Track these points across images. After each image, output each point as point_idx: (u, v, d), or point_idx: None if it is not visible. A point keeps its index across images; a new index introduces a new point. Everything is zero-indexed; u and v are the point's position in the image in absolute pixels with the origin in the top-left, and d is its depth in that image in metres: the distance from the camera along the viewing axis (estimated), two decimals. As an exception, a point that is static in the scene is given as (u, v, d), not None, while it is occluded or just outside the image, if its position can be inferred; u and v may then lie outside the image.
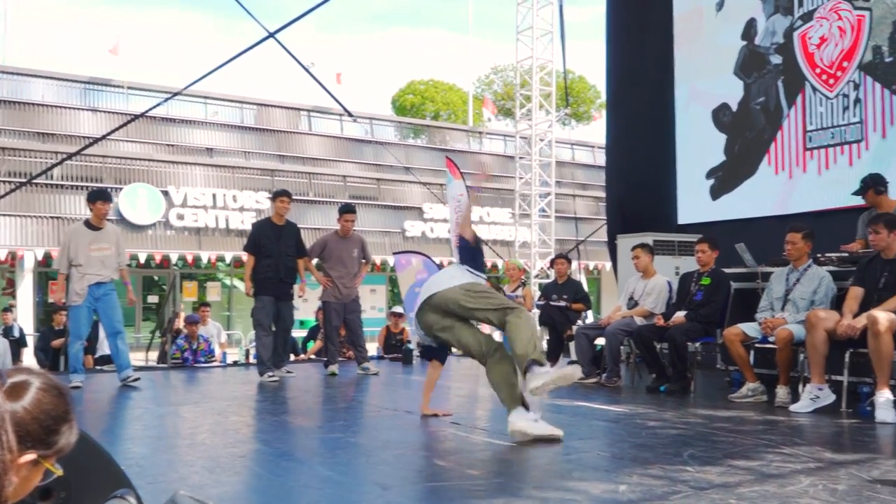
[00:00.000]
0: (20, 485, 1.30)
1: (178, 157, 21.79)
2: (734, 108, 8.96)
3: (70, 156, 14.00)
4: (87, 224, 7.13)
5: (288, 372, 7.69)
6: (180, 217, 20.71)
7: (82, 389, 6.70)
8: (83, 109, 21.81)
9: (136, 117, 13.04)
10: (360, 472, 3.59)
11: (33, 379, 1.32)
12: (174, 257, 20.58)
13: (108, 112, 21.93)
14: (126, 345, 7.20)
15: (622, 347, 7.10)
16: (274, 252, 7.45)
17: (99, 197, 7.20)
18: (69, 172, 19.96)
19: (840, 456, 3.79)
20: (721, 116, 9.11)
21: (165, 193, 20.68)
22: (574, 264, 10.44)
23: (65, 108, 21.57)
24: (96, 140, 12.34)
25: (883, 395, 4.77)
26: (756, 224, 8.45)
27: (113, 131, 12.41)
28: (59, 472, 1.38)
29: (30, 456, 1.29)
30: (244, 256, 13.96)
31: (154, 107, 11.13)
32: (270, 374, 7.26)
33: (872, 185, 6.08)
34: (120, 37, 41.57)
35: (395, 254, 13.03)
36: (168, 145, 22.18)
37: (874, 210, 6.03)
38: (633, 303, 7.03)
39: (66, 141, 20.61)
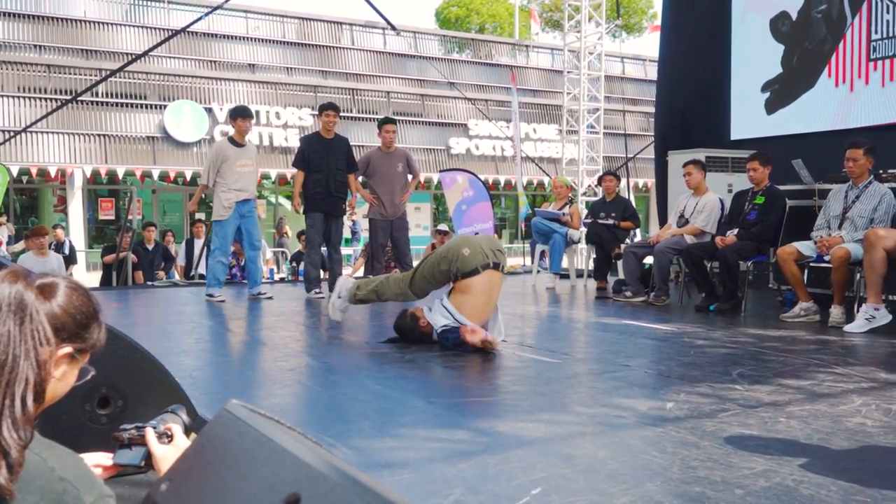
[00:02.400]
0: (58, 382, 1.33)
1: (220, 74, 21.72)
2: (794, 16, 8.54)
3: (113, 72, 14.03)
4: (231, 141, 7.29)
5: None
6: (224, 134, 20.70)
7: (155, 303, 6.82)
8: (126, 25, 21.75)
9: (176, 32, 12.94)
10: (407, 386, 3.63)
11: (60, 280, 1.36)
12: (218, 175, 20.75)
13: (151, 28, 21.84)
14: (260, 262, 7.47)
15: (671, 266, 7.01)
16: (323, 166, 7.30)
17: (239, 114, 7.29)
18: (113, 89, 20.07)
19: (895, 376, 3.71)
20: (779, 25, 8.69)
21: (209, 110, 20.72)
22: (623, 182, 10.26)
23: (108, 23, 21.52)
24: (138, 56, 12.29)
25: (942, 316, 4.67)
26: (813, 139, 8.16)
27: (154, 47, 12.36)
28: (92, 370, 1.42)
29: (66, 349, 1.32)
30: (289, 174, 13.87)
31: (194, 21, 10.98)
32: (317, 290, 7.31)
33: None
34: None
35: (441, 172, 13.02)
36: (210, 61, 22.12)
37: None
38: (683, 221, 6.89)
39: (110, 58, 20.65)
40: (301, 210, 7.43)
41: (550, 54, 28.15)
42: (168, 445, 1.57)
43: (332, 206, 7.41)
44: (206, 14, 10.64)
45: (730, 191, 7.33)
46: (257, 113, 21.21)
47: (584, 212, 9.50)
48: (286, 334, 5.22)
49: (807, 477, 2.25)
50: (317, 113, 7.77)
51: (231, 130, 7.42)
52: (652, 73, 29.21)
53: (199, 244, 11.02)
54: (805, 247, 5.63)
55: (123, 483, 1.66)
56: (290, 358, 4.31)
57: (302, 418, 3.06)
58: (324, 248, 7.70)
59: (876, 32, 7.67)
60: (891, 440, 2.63)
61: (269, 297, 7.22)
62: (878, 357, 4.35)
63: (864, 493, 2.14)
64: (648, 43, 64.07)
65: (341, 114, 7.74)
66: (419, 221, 22.01)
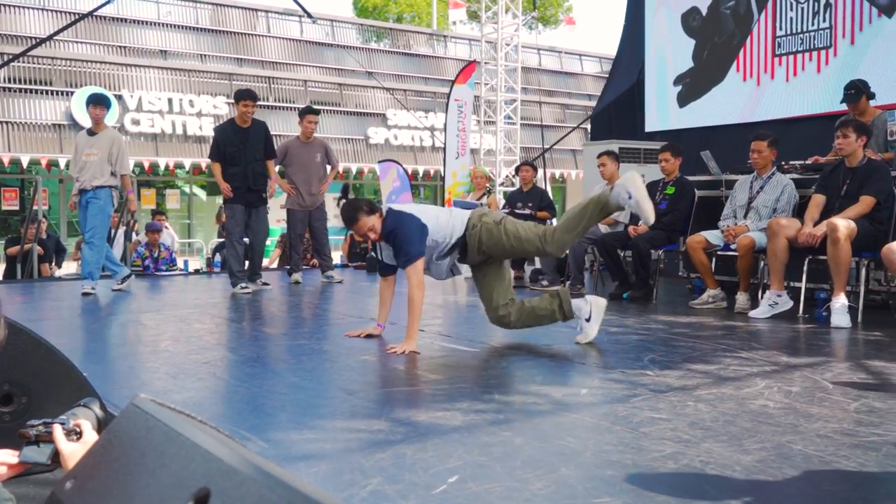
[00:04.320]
0: None
1: (130, 60, 21.00)
2: (704, 11, 8.79)
3: (16, 57, 13.38)
4: (88, 130, 7.08)
5: (264, 284, 7.33)
6: (135, 122, 20.13)
7: (56, 297, 6.57)
8: (30, 8, 20.77)
9: (83, 16, 12.46)
10: (325, 377, 3.59)
11: None
12: (130, 164, 20.07)
13: (57, 11, 20.93)
14: (94, 254, 6.91)
15: (586, 255, 7.14)
16: (241, 160, 6.98)
17: (90, 101, 7.06)
18: (17, 75, 19.19)
19: (795, 359, 3.88)
20: (690, 21, 8.94)
21: (119, 98, 20.02)
22: (539, 172, 10.40)
23: (11, 6, 20.52)
24: (43, 40, 11.78)
25: (839, 301, 4.85)
26: (723, 132, 8.42)
27: (60, 31, 11.86)
28: None
29: None
30: (203, 164, 13.49)
31: (102, 5, 10.58)
32: (243, 285, 6.98)
33: (865, 89, 5.90)
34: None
35: (380, 162, 13.01)
36: (120, 47, 21.35)
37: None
38: (597, 211, 7.01)
39: (13, 41, 19.70)
40: (230, 194, 7.08)
41: (468, 45, 28.24)
42: (76, 442, 1.51)
43: (252, 199, 7.12)
44: (115, -3, 10.28)
45: (642, 181, 7.50)
46: (170, 101, 20.59)
47: (502, 202, 9.60)
48: (201, 327, 5.10)
49: (713, 458, 2.32)
50: (233, 101, 7.46)
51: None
52: (567, 64, 29.68)
53: (112, 234, 10.66)
54: (713, 236, 5.78)
55: (29, 482, 1.61)
56: (204, 351, 4.21)
57: (216, 412, 2.99)
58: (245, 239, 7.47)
59: (780, 29, 7.96)
60: (791, 420, 2.73)
61: (90, 294, 6.77)
62: (780, 341, 4.51)
63: (765, 471, 2.23)
64: (564, 35, 65.04)
65: (258, 102, 7.43)
66: (338, 212, 21.77)
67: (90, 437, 1.54)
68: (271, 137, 7.38)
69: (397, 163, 12.51)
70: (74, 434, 1.53)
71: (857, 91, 5.91)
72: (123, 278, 7.16)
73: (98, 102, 7.00)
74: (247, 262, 7.47)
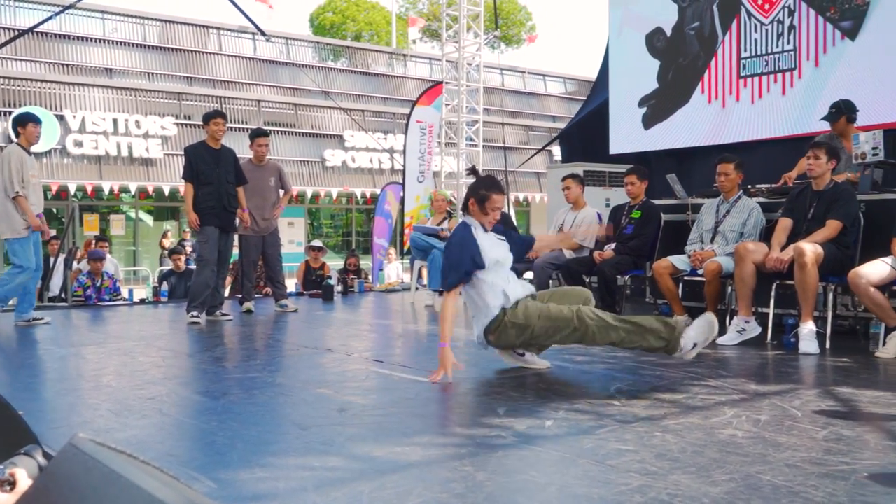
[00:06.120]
0: None
1: (73, 78, 20.48)
2: (668, 32, 8.78)
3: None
4: (22, 147, 6.54)
5: (223, 315, 7.03)
6: (78, 144, 19.60)
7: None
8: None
9: (23, 32, 12.05)
10: (278, 412, 3.48)
11: None
12: (72, 188, 19.50)
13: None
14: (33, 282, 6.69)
15: (550, 281, 7.02)
16: (214, 178, 6.84)
17: (30, 118, 6.61)
18: (-47, 94, 18.60)
19: (764, 387, 3.87)
20: (655, 41, 8.92)
21: (61, 118, 19.49)
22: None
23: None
24: (-19, 57, 11.33)
25: (807, 327, 4.83)
26: (689, 154, 8.41)
27: None
28: None
29: None
30: (150, 187, 13.21)
31: (44, 21, 10.20)
32: (195, 314, 6.68)
33: (846, 111, 5.91)
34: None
35: (389, 184, 13.06)
36: (62, 65, 20.81)
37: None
38: (562, 235, 6.91)
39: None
40: (197, 225, 6.84)
41: (429, 64, 28.23)
42: (9, 494, 1.35)
43: (226, 220, 6.95)
44: (57, 14, 9.93)
45: (608, 205, 7.43)
46: (115, 121, 20.10)
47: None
48: (146, 360, 4.88)
49: (680, 490, 2.27)
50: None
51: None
52: (531, 85, 29.84)
53: (52, 263, 10.19)
54: (679, 261, 5.72)
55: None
56: (150, 386, 4.02)
57: (161, 451, 2.84)
58: None
59: (745, 50, 7.97)
60: (759, 450, 2.70)
61: (46, 323, 6.62)
62: (749, 369, 4.47)
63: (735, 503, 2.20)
64: (527, 55, 65.78)
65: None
66: (292, 237, 21.41)
67: (25, 486, 1.38)
68: (240, 164, 7.28)
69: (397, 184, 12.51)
70: (8, 484, 1.38)
71: (837, 111, 5.93)
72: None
73: (39, 121, 6.68)
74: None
